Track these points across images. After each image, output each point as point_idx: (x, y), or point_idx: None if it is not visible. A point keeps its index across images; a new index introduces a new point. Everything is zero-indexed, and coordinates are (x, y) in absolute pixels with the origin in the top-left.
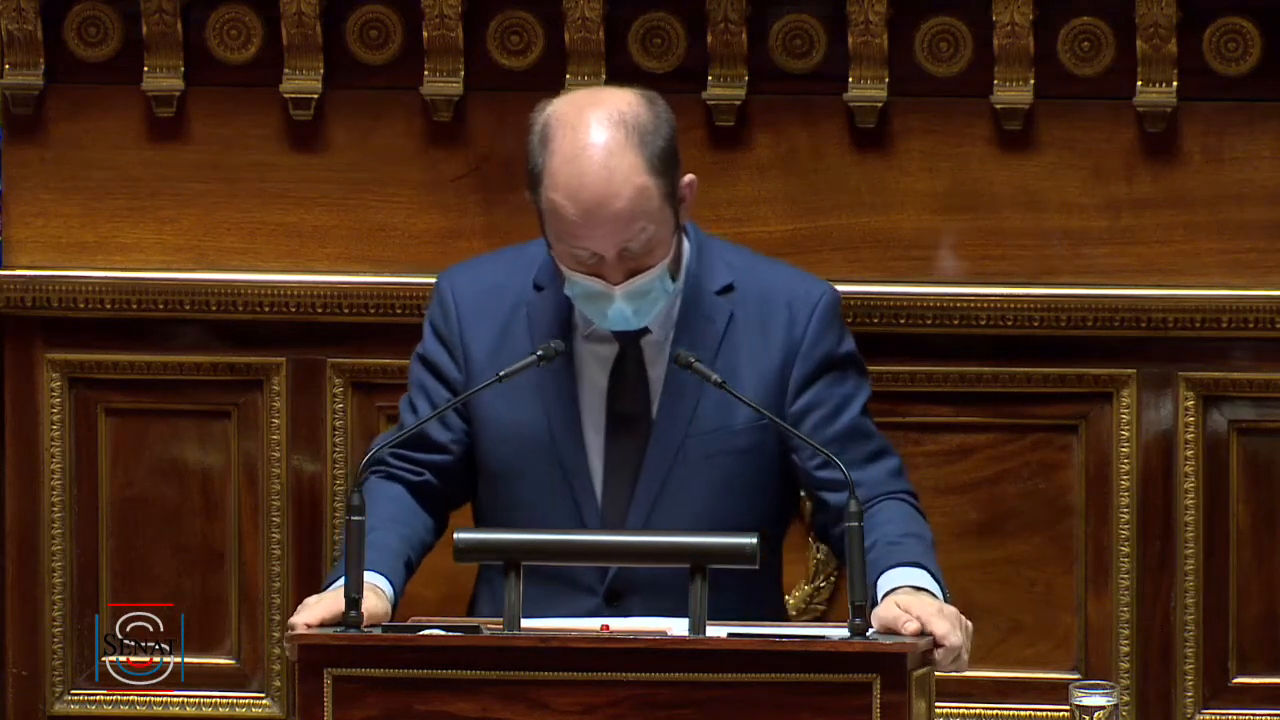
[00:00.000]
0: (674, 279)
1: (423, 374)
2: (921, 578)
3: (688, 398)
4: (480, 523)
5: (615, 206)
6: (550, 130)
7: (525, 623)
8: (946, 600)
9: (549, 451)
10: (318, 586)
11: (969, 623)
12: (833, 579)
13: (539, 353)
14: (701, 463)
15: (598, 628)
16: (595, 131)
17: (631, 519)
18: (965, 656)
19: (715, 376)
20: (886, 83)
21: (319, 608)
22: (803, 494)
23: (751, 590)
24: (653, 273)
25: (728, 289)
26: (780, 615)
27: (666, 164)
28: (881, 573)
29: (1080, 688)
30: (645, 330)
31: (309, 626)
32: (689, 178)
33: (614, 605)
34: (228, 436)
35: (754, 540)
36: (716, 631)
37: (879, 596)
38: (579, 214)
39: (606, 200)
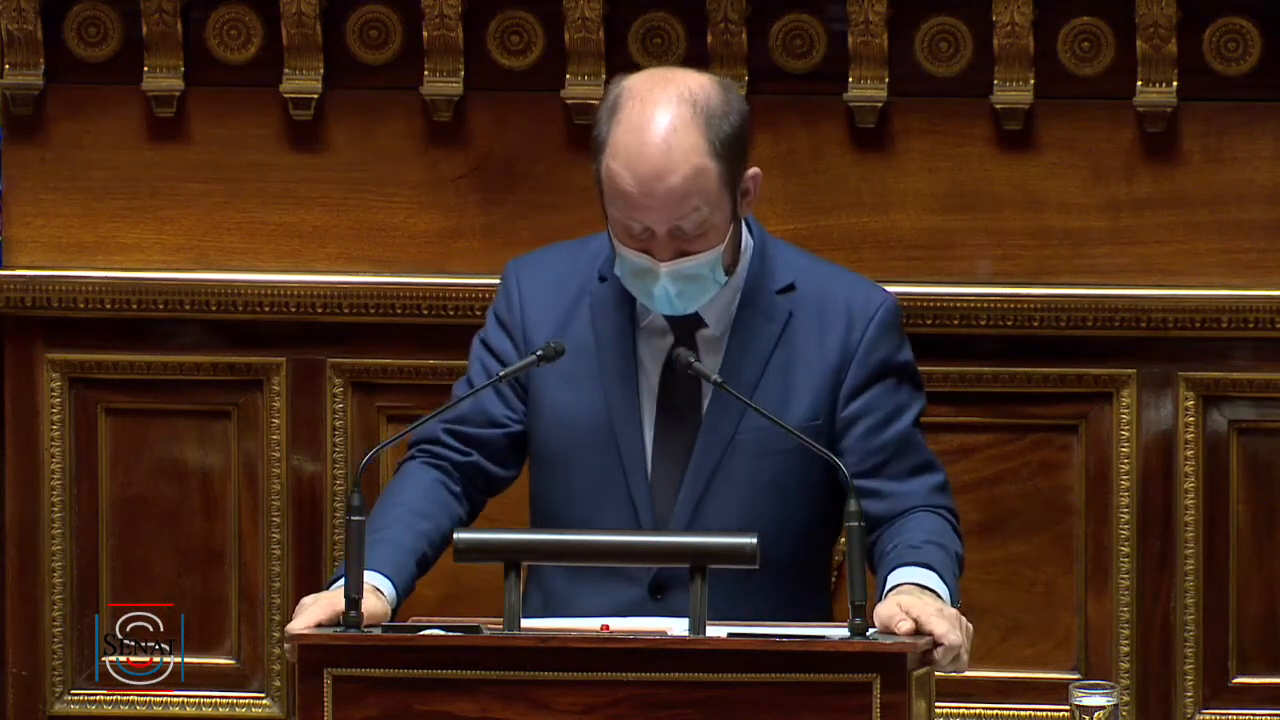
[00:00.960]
0: (728, 272)
1: (483, 354)
2: (928, 577)
3: (741, 395)
4: (535, 511)
5: (670, 182)
6: (620, 101)
7: (528, 622)
8: (956, 607)
9: (607, 439)
10: (318, 586)
11: (970, 625)
12: (833, 579)
13: (539, 353)
14: (750, 460)
15: (597, 628)
16: (663, 106)
17: (677, 512)
18: (965, 657)
19: (715, 376)
20: (886, 83)
21: (315, 610)
22: None
23: (796, 594)
24: (702, 258)
25: (788, 289)
26: (826, 618)
27: (730, 150)
28: (892, 570)
29: (1080, 688)
30: (702, 324)
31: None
32: (754, 171)
33: (659, 597)
34: (228, 436)
35: (753, 540)
36: (716, 631)
37: (883, 592)
38: (635, 185)
39: (663, 174)
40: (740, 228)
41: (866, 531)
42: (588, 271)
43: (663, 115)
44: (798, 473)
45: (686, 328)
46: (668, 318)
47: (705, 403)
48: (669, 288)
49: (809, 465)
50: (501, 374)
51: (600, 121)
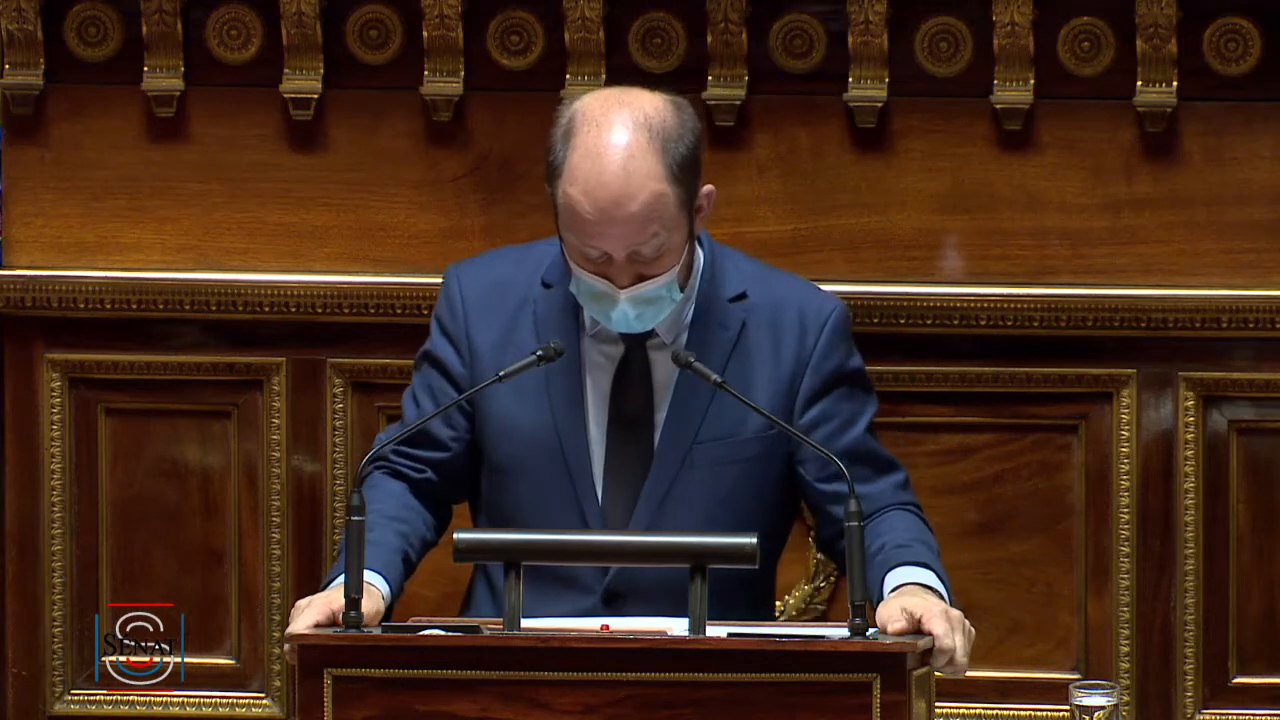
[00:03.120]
0: (682, 288)
1: (428, 370)
2: (928, 577)
3: (696, 405)
4: (481, 519)
5: (630, 209)
6: (575, 125)
7: (525, 622)
8: (951, 604)
9: (553, 450)
10: (318, 586)
11: (971, 627)
12: (833, 579)
13: (539, 353)
14: (708, 470)
15: (598, 627)
16: (619, 132)
17: (635, 523)
18: (963, 660)
19: (715, 376)
20: (886, 83)
21: (311, 612)
22: (806, 509)
23: (743, 600)
24: (660, 280)
25: (740, 297)
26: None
27: (687, 172)
28: (889, 570)
29: (1080, 688)
30: (652, 334)
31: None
32: (708, 188)
33: (611, 606)
34: (228, 436)
35: (753, 540)
36: (716, 631)
37: (885, 592)
38: (594, 212)
39: (622, 201)
40: (694, 244)
41: (838, 538)
42: (530, 278)
43: (619, 141)
44: (754, 482)
45: (637, 336)
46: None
47: (662, 412)
48: (628, 311)
49: (764, 475)
50: (501, 374)
51: (554, 145)
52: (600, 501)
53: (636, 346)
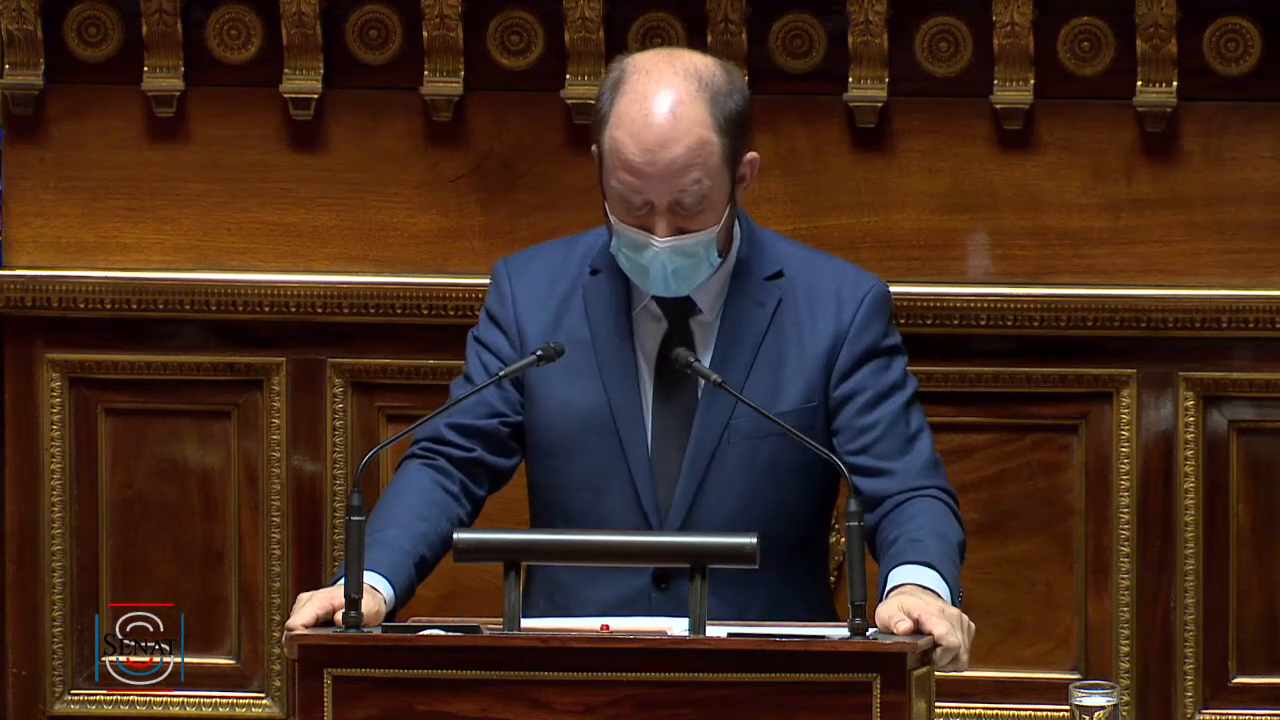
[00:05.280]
0: (722, 256)
1: (479, 350)
2: (929, 577)
3: (733, 380)
4: (537, 502)
5: (674, 151)
6: (625, 75)
7: (527, 622)
8: (958, 603)
9: (609, 429)
10: (317, 586)
11: (971, 624)
12: (833, 579)
13: (539, 353)
14: (745, 444)
15: (598, 628)
16: (670, 79)
17: (678, 499)
18: (965, 657)
19: (715, 376)
20: (886, 83)
21: (312, 605)
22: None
23: (797, 579)
24: (699, 236)
25: (777, 275)
26: (826, 603)
27: (734, 126)
28: (893, 568)
29: (1080, 688)
30: (695, 310)
31: (305, 626)
32: (753, 155)
33: (663, 586)
34: (228, 436)
35: (753, 540)
36: (716, 631)
37: (885, 592)
38: (639, 152)
39: (668, 144)
40: (735, 213)
41: (867, 510)
42: (579, 266)
43: (668, 88)
44: (793, 455)
45: (681, 313)
46: (661, 304)
47: (700, 388)
48: (666, 264)
49: (803, 447)
50: (501, 374)
51: (603, 96)
52: (651, 480)
53: (680, 321)
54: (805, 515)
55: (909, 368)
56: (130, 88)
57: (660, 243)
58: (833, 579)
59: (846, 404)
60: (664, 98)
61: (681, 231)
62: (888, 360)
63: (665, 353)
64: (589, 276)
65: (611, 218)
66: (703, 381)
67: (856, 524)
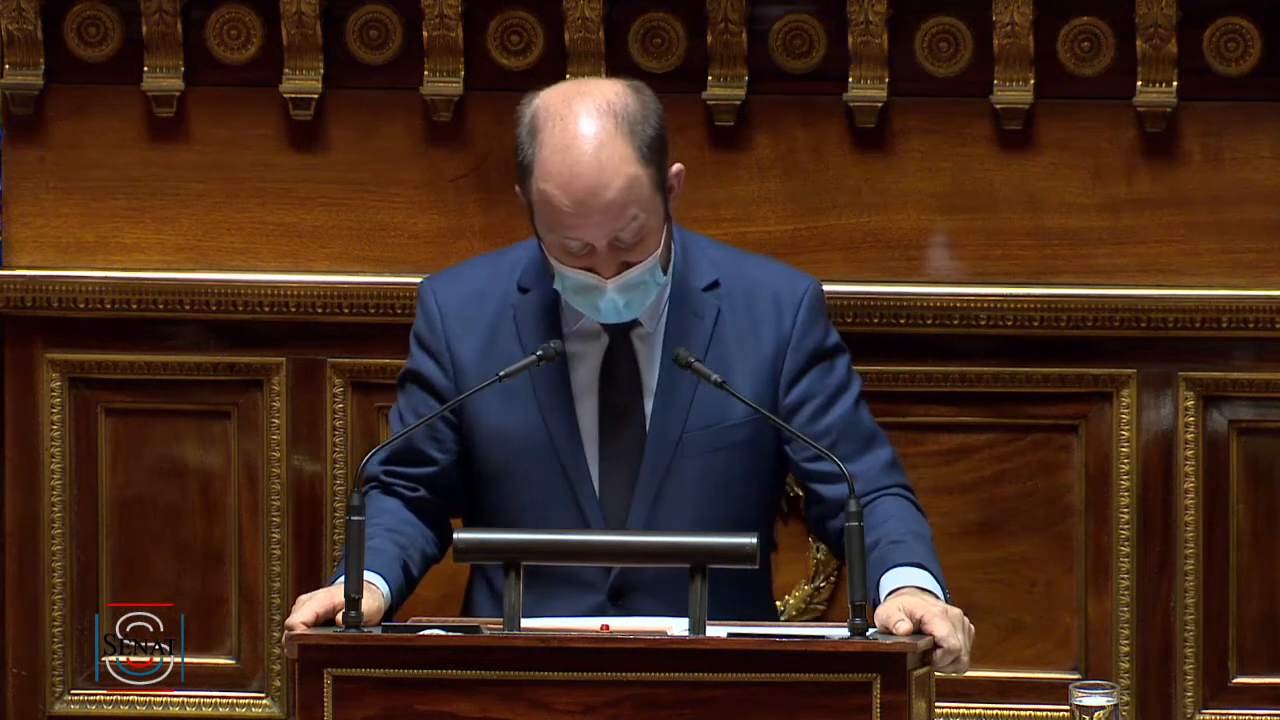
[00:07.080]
0: (665, 270)
1: (411, 389)
2: (925, 579)
3: (683, 393)
4: (480, 525)
5: (607, 196)
6: (539, 121)
7: (526, 622)
8: (947, 601)
9: (547, 452)
10: (318, 586)
11: (972, 626)
12: (833, 579)
13: (539, 353)
14: (699, 458)
15: (598, 627)
16: (585, 121)
17: (633, 516)
18: (966, 659)
19: (715, 376)
20: (886, 83)
21: (313, 604)
22: (794, 486)
23: (742, 588)
24: (644, 265)
25: (713, 285)
26: (770, 612)
27: (656, 153)
28: (885, 571)
29: (1080, 688)
30: (635, 323)
31: (305, 624)
32: (677, 167)
33: (618, 603)
34: (228, 436)
35: (754, 540)
36: (716, 631)
37: (881, 596)
38: (571, 204)
39: (598, 190)
40: (670, 225)
41: (830, 515)
42: (506, 285)
43: (587, 130)
44: (746, 466)
45: (620, 328)
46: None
47: (649, 403)
48: (616, 300)
49: (757, 458)
50: (500, 374)
51: (521, 145)
52: (598, 496)
53: (621, 337)
54: (755, 524)
55: (852, 365)
56: (130, 88)
57: (609, 284)
58: (832, 579)
59: (798, 411)
60: (584, 144)
61: (626, 265)
62: (831, 362)
63: (608, 368)
64: (518, 295)
65: (552, 260)
66: (650, 397)
67: (856, 524)
